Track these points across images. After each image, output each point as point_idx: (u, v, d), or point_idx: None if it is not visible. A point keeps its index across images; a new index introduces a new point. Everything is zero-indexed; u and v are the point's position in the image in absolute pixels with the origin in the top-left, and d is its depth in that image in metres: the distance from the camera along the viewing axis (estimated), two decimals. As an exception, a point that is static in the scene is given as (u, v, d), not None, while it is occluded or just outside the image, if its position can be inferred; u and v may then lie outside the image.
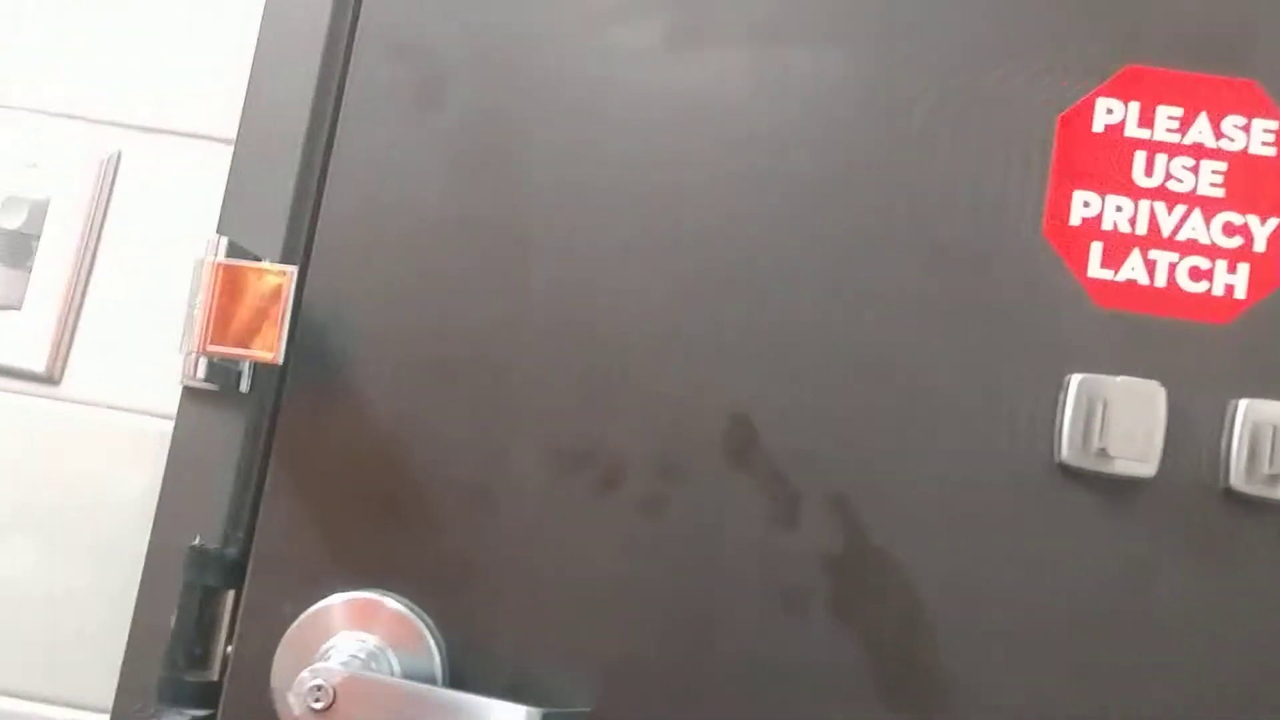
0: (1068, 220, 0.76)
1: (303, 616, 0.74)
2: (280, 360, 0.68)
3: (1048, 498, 0.74)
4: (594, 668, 0.74)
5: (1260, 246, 0.75)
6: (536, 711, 0.64)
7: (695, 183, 0.78)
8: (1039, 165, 0.77)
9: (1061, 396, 0.74)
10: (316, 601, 0.74)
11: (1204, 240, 0.76)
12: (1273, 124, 0.76)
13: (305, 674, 0.65)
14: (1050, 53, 0.78)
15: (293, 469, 0.76)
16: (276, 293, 0.68)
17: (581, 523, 0.75)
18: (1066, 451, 0.73)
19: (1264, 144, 0.76)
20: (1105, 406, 0.72)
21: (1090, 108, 0.77)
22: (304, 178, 0.79)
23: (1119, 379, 0.72)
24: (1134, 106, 0.77)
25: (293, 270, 0.68)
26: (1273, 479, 0.72)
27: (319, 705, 0.64)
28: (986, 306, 0.76)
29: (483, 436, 0.76)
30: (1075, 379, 0.74)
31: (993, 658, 0.73)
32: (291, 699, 0.64)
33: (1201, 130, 0.77)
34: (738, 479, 0.75)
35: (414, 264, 0.78)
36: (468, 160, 0.79)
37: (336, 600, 0.74)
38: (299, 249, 0.78)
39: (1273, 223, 0.75)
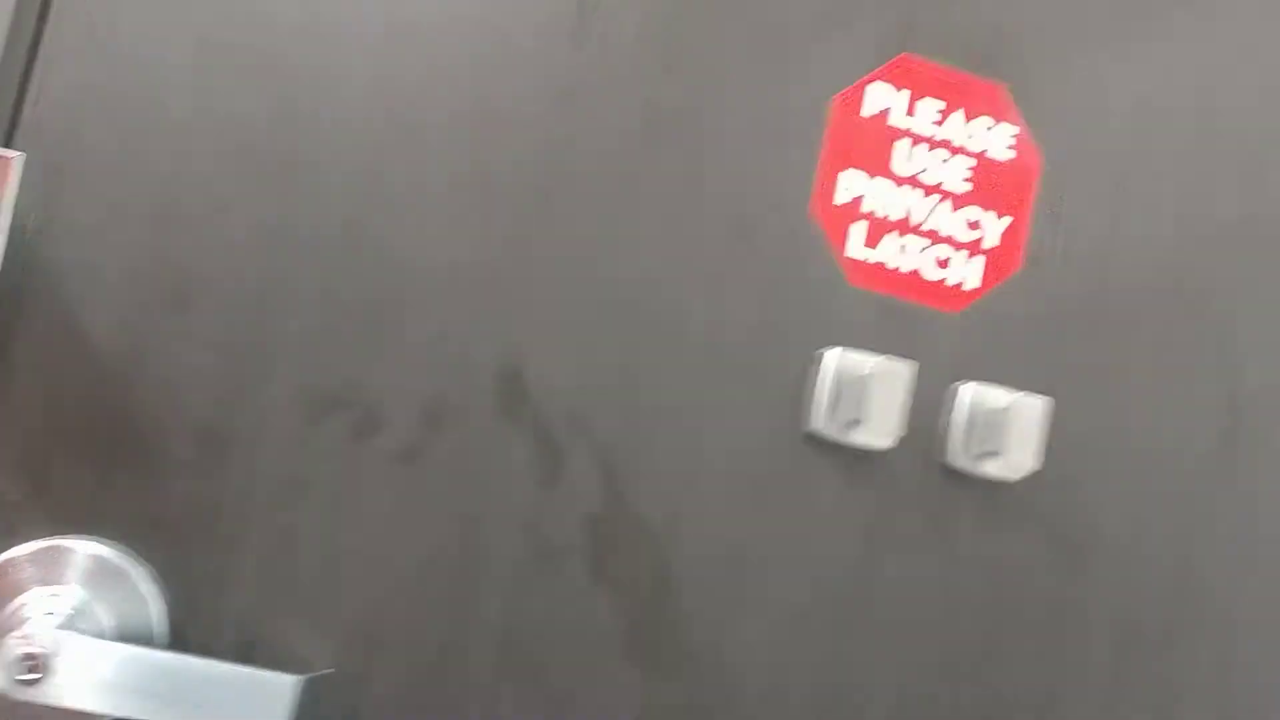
0: (833, 200, 0.79)
1: (-14, 566, 0.63)
2: (-7, 267, 0.57)
3: (795, 466, 0.77)
4: (337, 626, 0.69)
5: (993, 242, 0.82)
6: (299, 679, 0.58)
7: (480, 113, 0.72)
8: (813, 144, 0.79)
9: (814, 369, 0.77)
10: (9, 548, 0.64)
11: (949, 231, 0.81)
12: (1014, 129, 0.82)
13: (11, 640, 0.55)
14: (835, 32, 0.79)
15: (-21, 393, 0.64)
16: (-10, 186, 0.56)
17: (332, 470, 0.69)
18: (815, 422, 0.77)
19: (1006, 147, 0.82)
20: (855, 381, 0.76)
21: (862, 92, 0.80)
22: (12, 44, 0.65)
23: (870, 356, 0.76)
24: (902, 95, 0.80)
25: (18, 156, 0.57)
26: (982, 456, 0.79)
27: (31, 677, 0.55)
28: (752, 277, 0.77)
29: (222, 370, 0.68)
30: (828, 353, 0.77)
31: (738, 621, 0.75)
32: (-5, 673, 0.55)
33: (956, 126, 0.81)
34: (503, 431, 0.72)
35: (150, 164, 0.67)
36: (227, 48, 0.69)
37: (29, 548, 0.64)
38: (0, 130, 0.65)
39: (1006, 220, 0.82)
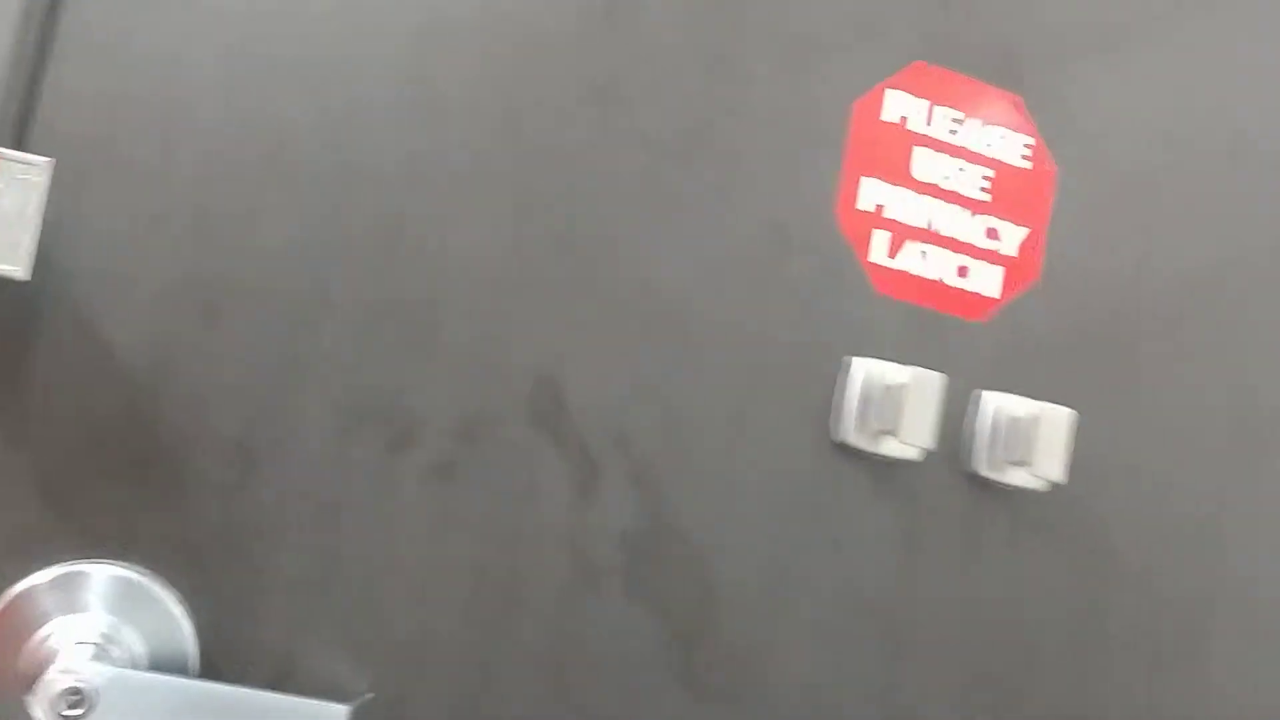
0: (855, 205, 0.79)
1: (14, 589, 0.60)
2: (28, 275, 0.54)
3: (828, 477, 0.76)
4: (373, 649, 0.67)
5: (1013, 251, 0.82)
6: (350, 709, 0.56)
7: (515, 114, 0.71)
8: (837, 148, 0.78)
9: (843, 378, 0.77)
10: (30, 574, 0.61)
11: (969, 240, 0.81)
12: (1030, 140, 0.83)
13: (55, 674, 0.52)
14: (858, 39, 0.79)
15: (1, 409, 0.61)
16: (27, 189, 0.53)
17: (366, 487, 0.67)
18: (845, 432, 0.76)
19: (1022, 157, 0.83)
20: (886, 391, 0.75)
21: (881, 98, 0.80)
22: (23, 38, 0.62)
23: (903, 367, 0.76)
24: (919, 103, 0.80)
25: (49, 162, 0.54)
26: (1009, 465, 0.79)
27: (76, 712, 0.52)
28: (785, 285, 0.76)
29: (252, 384, 0.65)
30: (857, 362, 0.77)
31: (777, 634, 0.75)
32: (38, 708, 0.52)
33: (973, 135, 0.82)
34: (541, 446, 0.70)
35: (178, 170, 0.64)
36: (258, 48, 0.66)
37: (50, 573, 0.61)
38: (12, 132, 0.62)
39: (1023, 230, 0.82)
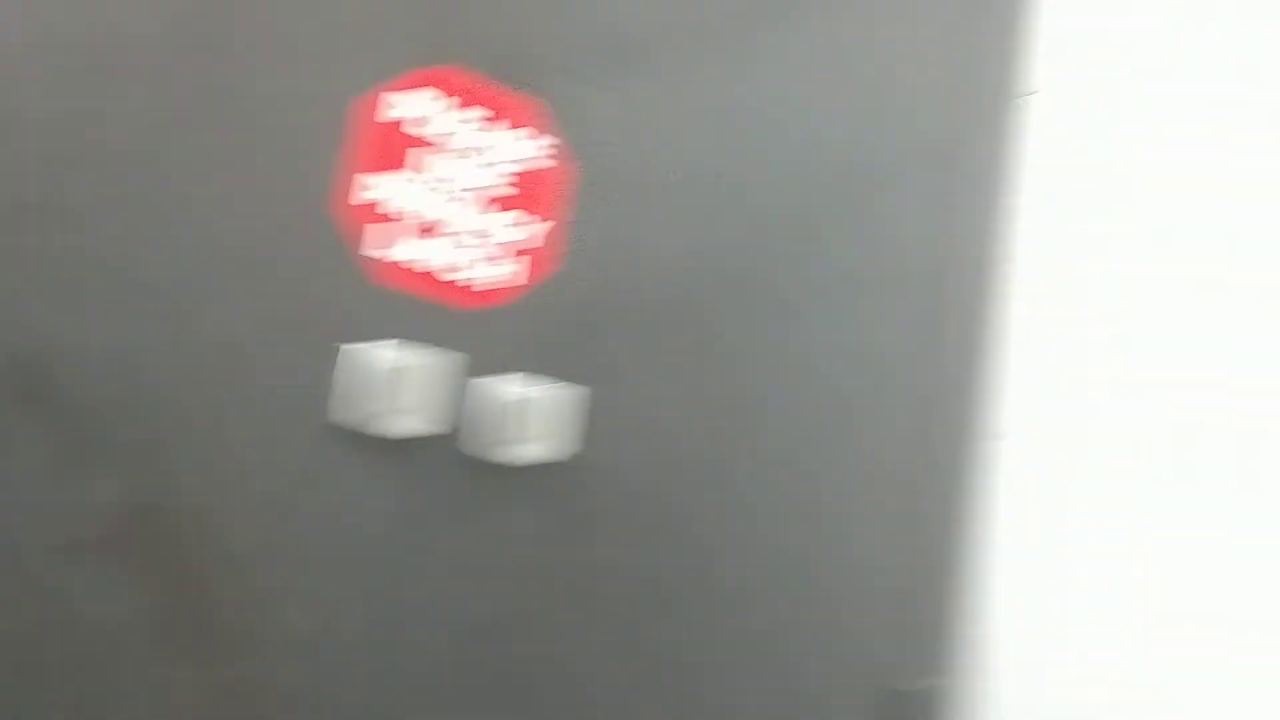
0: (352, 200, 0.80)
1: None
2: None
3: (326, 455, 0.78)
4: None
5: (534, 244, 0.84)
6: None
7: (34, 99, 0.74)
8: (336, 143, 0.80)
9: (337, 364, 0.78)
10: None
11: (486, 232, 0.84)
12: (554, 141, 0.85)
13: None
14: (360, 35, 0.82)
15: None
16: None
17: None
18: (341, 414, 0.78)
19: (546, 157, 0.85)
20: (387, 375, 0.78)
21: (383, 97, 0.82)
22: None
23: (395, 351, 0.78)
24: (430, 102, 0.83)
25: None
26: (502, 444, 0.81)
27: None
28: (281, 272, 0.78)
29: None
30: (352, 348, 0.79)
31: (277, 604, 0.76)
32: None
33: (497, 135, 0.85)
34: (19, 424, 0.71)
35: None
36: None
37: None
38: None
39: (541, 224, 0.85)
